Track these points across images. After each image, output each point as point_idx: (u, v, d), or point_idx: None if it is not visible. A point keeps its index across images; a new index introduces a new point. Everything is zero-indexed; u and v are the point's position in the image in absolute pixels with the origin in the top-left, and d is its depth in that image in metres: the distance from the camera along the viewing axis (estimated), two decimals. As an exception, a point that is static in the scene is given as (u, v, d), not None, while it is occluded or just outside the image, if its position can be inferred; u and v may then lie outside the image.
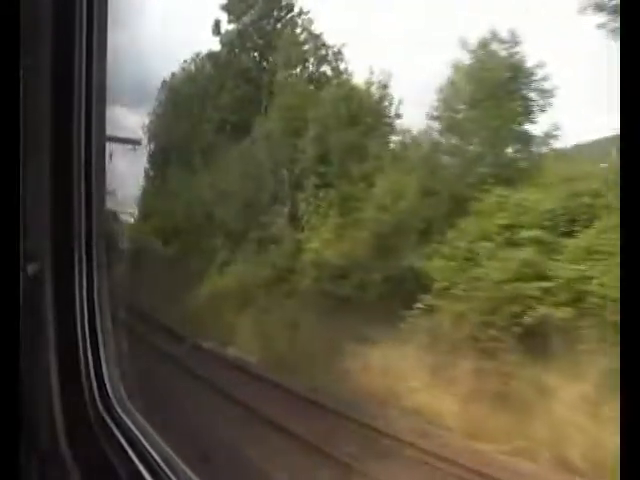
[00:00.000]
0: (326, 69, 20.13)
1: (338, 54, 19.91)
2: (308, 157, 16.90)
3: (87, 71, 1.47)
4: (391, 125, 16.96)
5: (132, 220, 25.06)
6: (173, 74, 23.81)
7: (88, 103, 1.49)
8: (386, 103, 16.91)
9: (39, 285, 1.53)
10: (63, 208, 1.56)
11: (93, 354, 1.62)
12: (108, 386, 1.66)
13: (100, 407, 1.61)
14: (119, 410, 1.65)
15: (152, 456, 1.54)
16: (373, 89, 17.00)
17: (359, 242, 14.33)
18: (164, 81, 23.84)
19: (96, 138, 1.56)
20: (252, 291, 15.61)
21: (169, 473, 1.50)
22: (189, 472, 1.58)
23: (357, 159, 15.89)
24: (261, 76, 21.25)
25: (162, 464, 1.51)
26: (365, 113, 16.54)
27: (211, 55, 22.81)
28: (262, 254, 16.69)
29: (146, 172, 25.03)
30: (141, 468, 1.48)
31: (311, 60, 20.29)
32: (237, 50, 22.05)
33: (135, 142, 21.82)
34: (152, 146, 25.02)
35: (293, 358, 11.91)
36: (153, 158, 24.81)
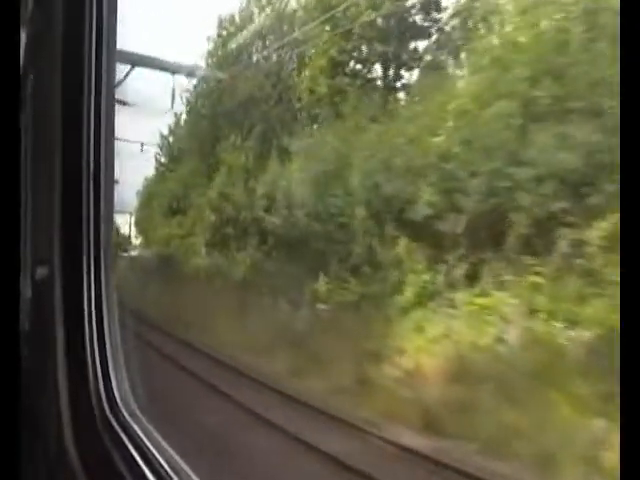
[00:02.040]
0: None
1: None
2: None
3: (97, 75, 1.50)
4: None
5: (137, 220, 21.97)
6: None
7: (97, 110, 1.51)
8: None
9: (48, 289, 1.55)
10: (73, 213, 1.58)
11: (101, 358, 1.63)
12: (115, 391, 1.67)
13: (107, 411, 1.61)
14: (126, 415, 1.66)
15: (158, 461, 1.54)
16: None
17: None
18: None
19: (105, 144, 1.59)
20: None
21: (175, 478, 1.50)
22: (194, 477, 1.58)
23: None
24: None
25: (168, 469, 1.51)
26: None
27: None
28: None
29: (157, 159, 20.43)
30: (147, 472, 1.49)
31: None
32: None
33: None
34: (180, 121, 19.45)
35: None
36: (189, 134, 19.10)
